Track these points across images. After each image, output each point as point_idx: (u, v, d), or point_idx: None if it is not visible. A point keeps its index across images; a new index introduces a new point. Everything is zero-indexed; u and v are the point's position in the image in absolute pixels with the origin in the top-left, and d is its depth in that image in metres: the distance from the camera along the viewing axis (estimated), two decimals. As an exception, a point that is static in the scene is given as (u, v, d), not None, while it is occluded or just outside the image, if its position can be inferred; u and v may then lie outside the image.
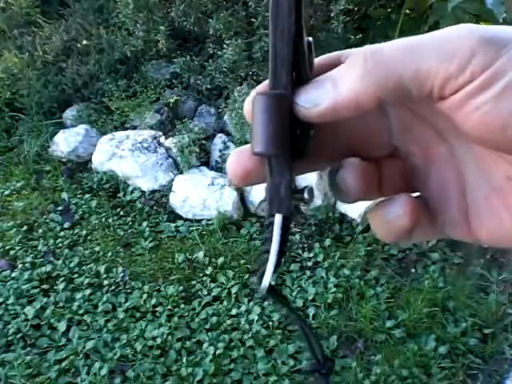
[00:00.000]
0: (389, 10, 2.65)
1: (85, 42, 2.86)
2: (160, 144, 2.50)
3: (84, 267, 1.98)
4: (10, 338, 1.68)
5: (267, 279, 0.23)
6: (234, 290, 1.85)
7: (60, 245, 2.10)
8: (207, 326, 1.73)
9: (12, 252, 2.05)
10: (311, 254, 2.00)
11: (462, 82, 0.21)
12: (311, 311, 1.77)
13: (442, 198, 0.26)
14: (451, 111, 0.22)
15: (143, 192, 2.37)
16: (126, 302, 1.82)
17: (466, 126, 0.22)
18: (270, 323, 1.73)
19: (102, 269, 1.96)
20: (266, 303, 1.81)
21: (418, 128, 0.26)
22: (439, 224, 0.26)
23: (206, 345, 1.65)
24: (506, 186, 0.24)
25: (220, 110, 2.57)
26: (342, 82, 0.23)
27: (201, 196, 2.22)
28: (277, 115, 0.23)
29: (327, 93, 0.23)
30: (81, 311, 1.78)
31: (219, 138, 2.48)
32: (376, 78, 0.22)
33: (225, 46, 2.34)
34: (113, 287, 1.89)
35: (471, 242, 0.26)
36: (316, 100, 0.23)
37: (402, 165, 0.27)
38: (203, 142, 2.47)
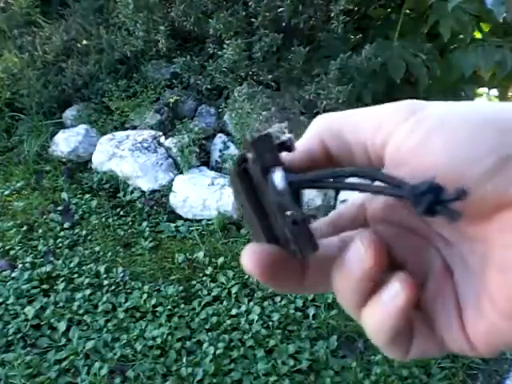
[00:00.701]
0: (389, 10, 2.65)
1: (85, 41, 2.86)
2: (160, 144, 2.51)
3: (84, 267, 1.98)
4: (10, 338, 1.68)
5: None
6: (234, 290, 1.85)
7: (60, 245, 2.10)
8: (207, 326, 1.73)
9: (12, 252, 2.05)
10: (311, 254, 2.00)
11: (387, 131, 0.23)
12: (311, 311, 1.77)
13: (439, 308, 0.25)
14: (390, 166, 0.23)
15: (143, 192, 2.37)
16: (126, 302, 1.82)
17: (405, 176, 0.22)
18: (270, 323, 1.73)
19: (102, 269, 1.96)
20: (265, 303, 1.81)
21: (407, 238, 0.26)
22: (438, 336, 0.25)
23: (205, 345, 1.65)
24: (496, 278, 0.21)
25: (220, 110, 2.58)
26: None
27: (201, 196, 2.22)
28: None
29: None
30: (81, 311, 1.78)
31: (219, 138, 2.49)
32: (320, 125, 0.26)
33: (225, 45, 2.34)
34: (113, 287, 1.89)
35: (473, 355, 0.24)
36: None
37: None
38: (203, 141, 2.47)
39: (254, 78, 2.46)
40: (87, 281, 1.90)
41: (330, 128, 0.25)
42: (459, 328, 0.24)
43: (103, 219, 2.24)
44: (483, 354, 0.23)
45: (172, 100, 2.63)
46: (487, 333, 0.22)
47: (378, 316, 0.24)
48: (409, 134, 0.22)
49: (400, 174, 0.22)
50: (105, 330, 1.71)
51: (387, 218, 0.26)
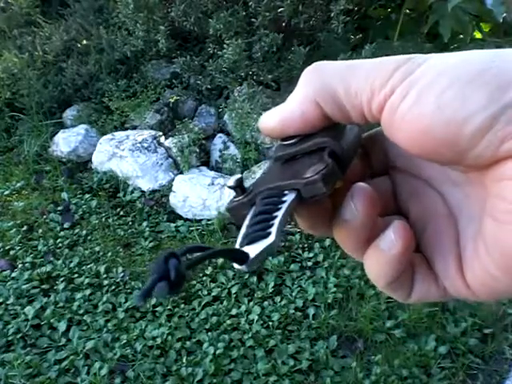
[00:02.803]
0: (389, 10, 2.65)
1: (85, 42, 2.86)
2: (160, 144, 2.50)
3: (84, 267, 1.98)
4: (10, 338, 1.68)
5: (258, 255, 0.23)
6: (233, 290, 1.85)
7: (60, 245, 2.10)
8: (207, 326, 1.73)
9: (12, 252, 2.05)
10: (311, 254, 2.00)
11: (383, 96, 0.22)
12: (311, 311, 1.77)
13: (439, 250, 0.26)
14: (387, 131, 0.23)
15: (143, 192, 2.37)
16: (125, 302, 1.82)
17: (401, 141, 0.22)
18: (270, 323, 1.73)
19: (102, 269, 1.96)
20: (265, 303, 1.81)
21: (411, 183, 0.28)
22: (439, 280, 0.26)
23: (206, 345, 1.65)
24: (488, 224, 0.22)
25: (220, 110, 2.57)
26: (290, 98, 0.26)
27: (201, 196, 2.22)
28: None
29: (278, 109, 0.26)
30: (81, 311, 1.78)
31: (219, 138, 2.48)
32: (314, 86, 0.25)
33: (225, 45, 2.34)
34: (113, 287, 1.89)
35: (472, 299, 0.24)
36: (270, 118, 0.27)
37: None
38: (203, 141, 2.47)
39: (254, 78, 2.45)
40: (87, 281, 1.90)
41: (323, 88, 0.25)
42: (457, 271, 0.24)
43: (103, 219, 2.24)
44: (482, 298, 0.24)
45: (172, 100, 2.63)
46: (483, 278, 0.23)
47: (376, 262, 0.25)
48: (402, 98, 0.22)
49: (397, 140, 0.23)
50: (105, 330, 1.71)
51: (402, 166, 0.28)
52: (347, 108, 0.24)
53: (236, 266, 0.23)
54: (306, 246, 2.04)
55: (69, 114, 2.78)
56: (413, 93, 0.21)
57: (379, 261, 0.25)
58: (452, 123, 0.20)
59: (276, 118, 0.26)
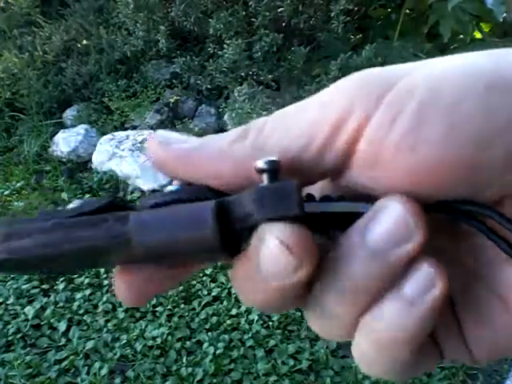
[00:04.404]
0: (389, 9, 2.65)
1: (85, 42, 2.86)
2: (160, 144, 2.50)
3: (84, 267, 1.98)
4: (10, 338, 1.68)
5: None
6: (234, 290, 1.85)
7: (60, 245, 2.09)
8: (207, 326, 1.73)
9: (12, 252, 2.05)
10: (311, 254, 2.00)
11: (355, 123, 0.17)
12: (311, 311, 1.77)
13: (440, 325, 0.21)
14: (366, 164, 0.18)
15: (143, 192, 2.37)
16: (126, 301, 1.82)
17: (387, 179, 0.18)
18: (270, 323, 1.73)
19: (102, 269, 1.96)
20: (266, 303, 1.81)
21: None
22: (439, 347, 0.22)
23: (206, 345, 1.65)
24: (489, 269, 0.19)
25: (220, 110, 2.57)
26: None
27: (201, 196, 2.22)
28: None
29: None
30: (81, 311, 1.78)
31: (219, 138, 2.49)
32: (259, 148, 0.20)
33: (225, 45, 2.34)
34: (113, 287, 1.89)
35: (473, 364, 0.23)
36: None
37: None
38: (203, 142, 2.47)
39: (254, 78, 2.45)
40: (87, 281, 1.90)
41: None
42: (459, 340, 0.21)
43: (103, 219, 2.24)
44: (483, 361, 0.22)
45: (172, 100, 2.63)
46: (492, 355, 0.21)
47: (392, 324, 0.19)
48: (390, 123, 0.17)
49: (383, 178, 0.18)
50: (105, 330, 1.71)
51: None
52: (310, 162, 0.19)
53: None
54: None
55: (69, 113, 2.78)
56: (406, 116, 0.17)
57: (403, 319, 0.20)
58: (466, 163, 0.16)
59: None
